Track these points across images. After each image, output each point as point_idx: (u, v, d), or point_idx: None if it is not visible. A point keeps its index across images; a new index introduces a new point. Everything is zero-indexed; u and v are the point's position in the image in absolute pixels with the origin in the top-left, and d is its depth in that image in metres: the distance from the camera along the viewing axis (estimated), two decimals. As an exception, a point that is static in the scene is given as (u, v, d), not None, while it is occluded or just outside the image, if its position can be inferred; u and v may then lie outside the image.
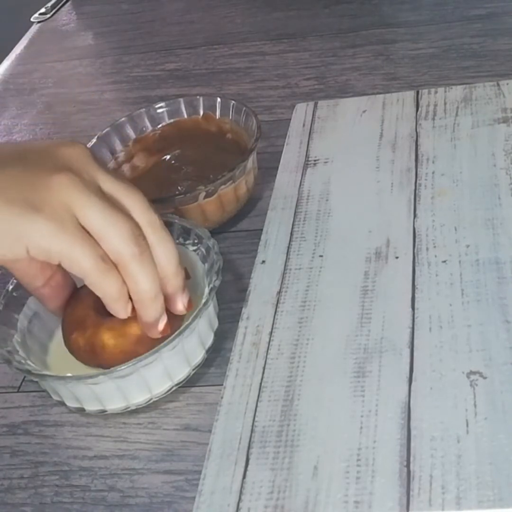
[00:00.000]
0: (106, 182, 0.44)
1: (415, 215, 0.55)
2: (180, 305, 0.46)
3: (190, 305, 0.47)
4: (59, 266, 0.43)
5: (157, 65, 0.87)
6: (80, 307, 0.48)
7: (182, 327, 0.46)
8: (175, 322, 0.47)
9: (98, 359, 0.46)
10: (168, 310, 0.46)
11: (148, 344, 0.45)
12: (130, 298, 0.44)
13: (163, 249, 0.45)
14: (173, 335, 0.46)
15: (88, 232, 0.42)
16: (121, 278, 0.43)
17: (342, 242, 0.55)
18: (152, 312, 0.44)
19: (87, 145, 0.63)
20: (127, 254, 0.42)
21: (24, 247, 0.41)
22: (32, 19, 1.06)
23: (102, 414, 0.48)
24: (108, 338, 0.46)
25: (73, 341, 0.47)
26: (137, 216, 0.44)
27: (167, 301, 0.46)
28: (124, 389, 0.46)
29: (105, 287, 0.43)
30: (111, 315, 0.46)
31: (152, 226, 0.44)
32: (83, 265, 0.42)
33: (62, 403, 0.48)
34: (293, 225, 0.57)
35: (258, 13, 0.92)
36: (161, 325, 0.45)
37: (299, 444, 0.43)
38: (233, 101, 0.64)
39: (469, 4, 0.82)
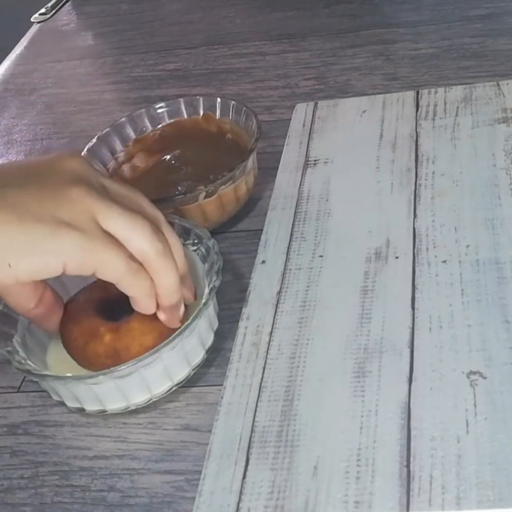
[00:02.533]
0: (111, 187, 0.46)
1: (415, 215, 0.55)
2: (188, 294, 0.49)
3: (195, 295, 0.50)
4: (46, 283, 0.46)
5: (157, 65, 0.87)
6: (83, 319, 0.48)
7: (182, 327, 0.46)
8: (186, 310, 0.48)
9: (122, 362, 0.45)
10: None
11: (166, 337, 0.46)
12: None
13: (172, 242, 0.47)
14: (173, 335, 0.46)
15: (112, 237, 0.43)
16: (149, 274, 0.45)
17: (342, 242, 0.55)
18: (176, 302, 0.46)
19: (87, 145, 0.63)
20: (152, 251, 0.44)
21: (62, 264, 0.42)
22: (32, 19, 1.06)
23: (102, 414, 0.48)
24: (131, 339, 0.46)
25: (92, 352, 0.46)
26: (147, 214, 0.46)
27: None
28: (124, 389, 0.46)
29: (139, 286, 0.44)
30: (114, 319, 0.47)
31: (159, 223, 0.46)
32: (117, 269, 0.43)
33: (62, 403, 0.48)
34: (293, 225, 0.57)
35: (258, 13, 0.92)
36: (181, 313, 0.47)
37: (299, 444, 0.43)
38: (233, 101, 0.64)
39: (469, 4, 0.82)
